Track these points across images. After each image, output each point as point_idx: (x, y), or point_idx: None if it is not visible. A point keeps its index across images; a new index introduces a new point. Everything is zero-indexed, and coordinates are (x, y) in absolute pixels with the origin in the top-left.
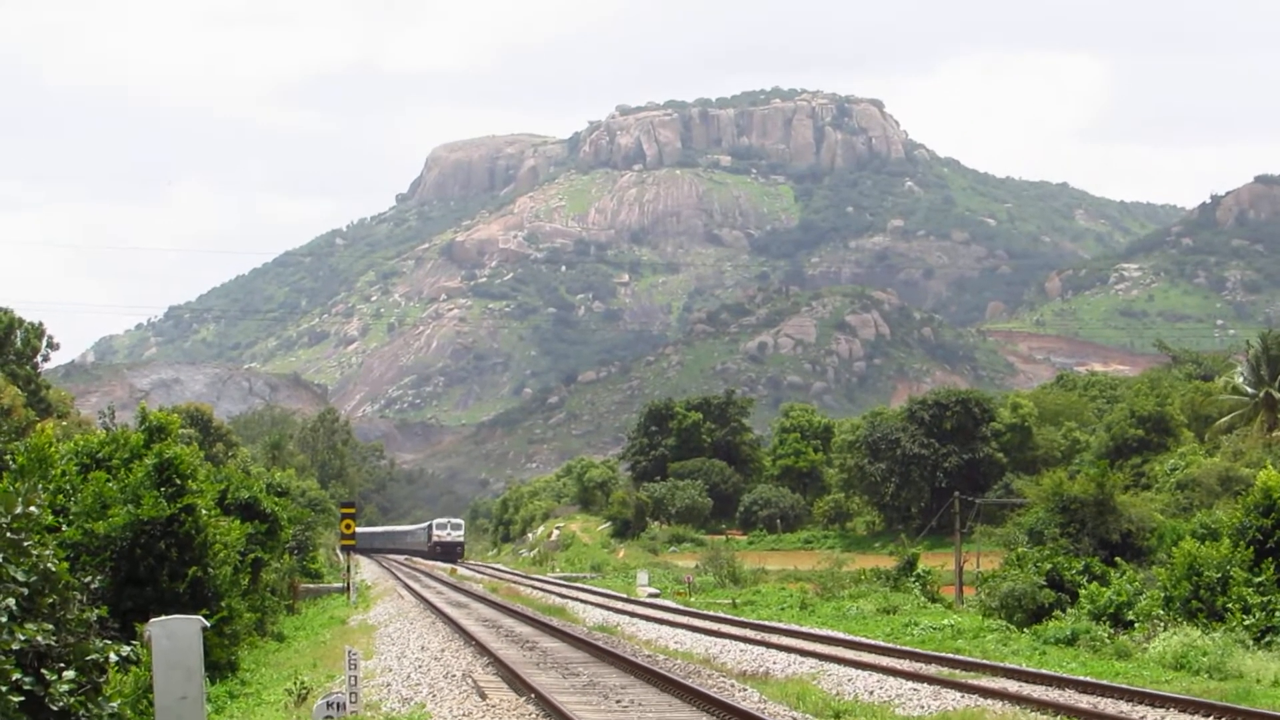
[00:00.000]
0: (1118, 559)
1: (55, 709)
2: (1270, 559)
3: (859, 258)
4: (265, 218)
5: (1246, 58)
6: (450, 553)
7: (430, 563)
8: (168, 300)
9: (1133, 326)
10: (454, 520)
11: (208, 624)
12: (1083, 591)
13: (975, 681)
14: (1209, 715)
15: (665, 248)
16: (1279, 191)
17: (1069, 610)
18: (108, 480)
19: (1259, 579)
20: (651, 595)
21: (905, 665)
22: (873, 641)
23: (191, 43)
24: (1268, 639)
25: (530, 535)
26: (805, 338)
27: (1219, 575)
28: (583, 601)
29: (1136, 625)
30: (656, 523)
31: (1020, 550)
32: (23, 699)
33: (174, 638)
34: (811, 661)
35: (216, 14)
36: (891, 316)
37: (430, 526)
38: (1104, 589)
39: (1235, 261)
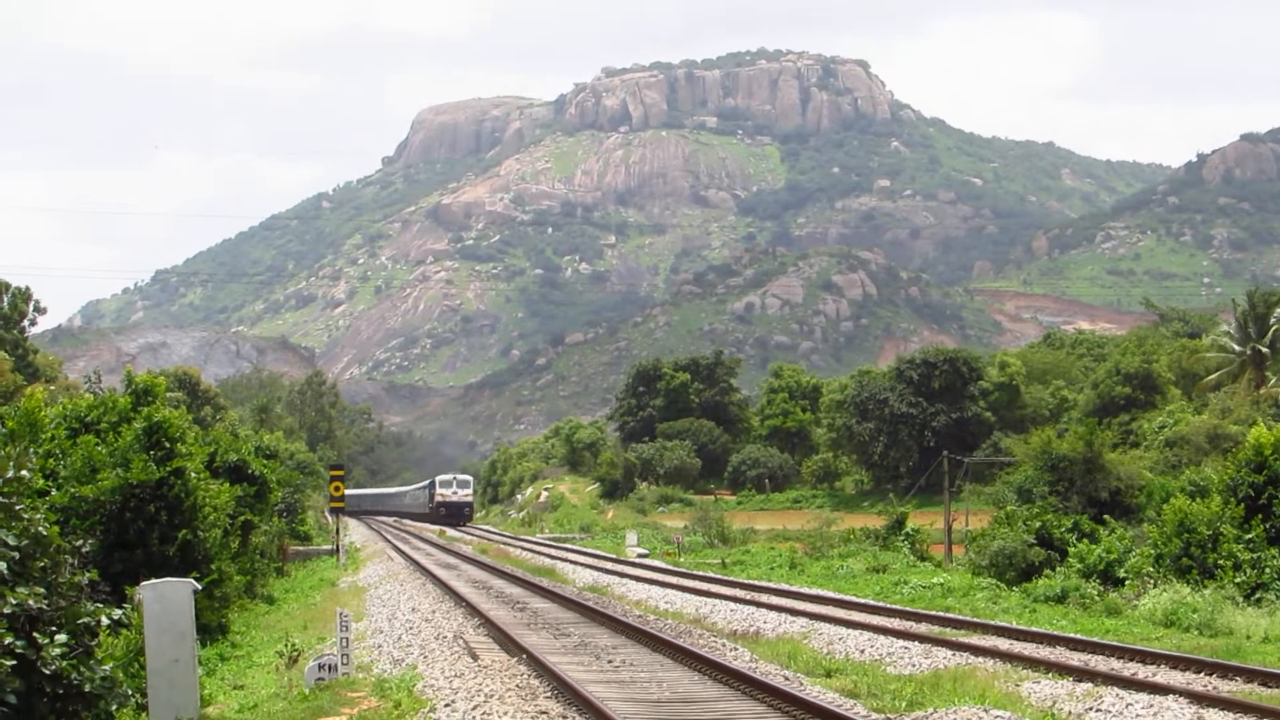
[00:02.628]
0: (1106, 517)
1: (48, 672)
2: (1260, 516)
3: (845, 218)
4: (251, 181)
5: (1232, 16)
6: (457, 514)
7: (419, 524)
8: (154, 264)
9: (1119, 285)
10: (460, 477)
11: (199, 587)
12: (1073, 549)
13: (966, 640)
14: (1200, 672)
15: (651, 209)
16: (1264, 149)
17: (1058, 568)
18: (97, 444)
19: (1249, 536)
20: (641, 556)
21: (896, 624)
22: (863, 600)
23: (178, 5)
24: (1257, 595)
25: (519, 496)
26: (792, 298)
27: (1210, 532)
28: (572, 562)
29: (1127, 582)
30: (645, 483)
31: (1009, 508)
32: (15, 662)
33: (165, 601)
34: (802, 621)
35: None
36: (878, 276)
37: (433, 484)
38: (1094, 546)
39: (1221, 219)
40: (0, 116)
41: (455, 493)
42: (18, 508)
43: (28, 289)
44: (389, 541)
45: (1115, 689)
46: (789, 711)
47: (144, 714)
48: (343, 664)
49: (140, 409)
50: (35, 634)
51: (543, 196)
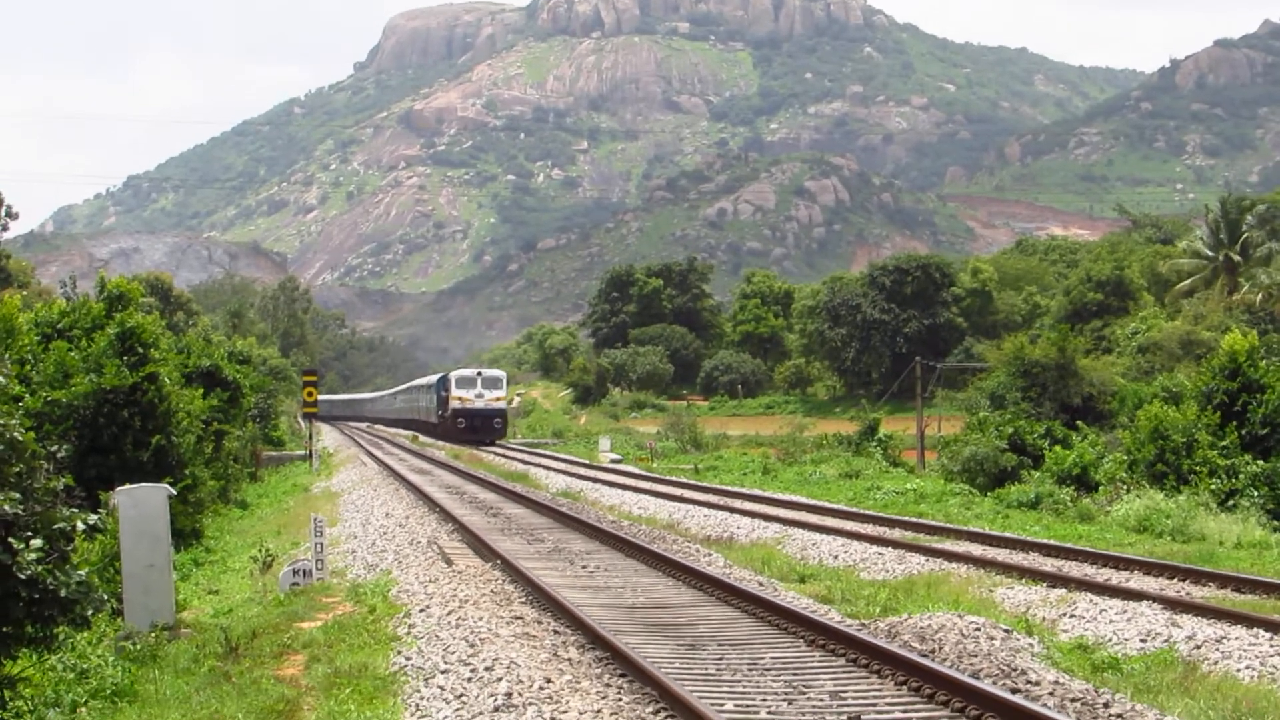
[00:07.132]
0: (1079, 422)
1: (23, 577)
2: (1234, 423)
3: (818, 124)
4: (223, 87)
5: None
6: (484, 428)
7: (392, 429)
8: (127, 170)
9: (1092, 191)
10: (488, 373)
11: (173, 492)
12: (1048, 455)
13: (939, 545)
14: (1173, 577)
15: (624, 115)
16: (1238, 55)
17: (1032, 474)
18: (70, 349)
19: (1223, 443)
20: (614, 461)
21: (869, 530)
22: (836, 506)
23: None
24: (1231, 502)
25: None
26: (765, 204)
27: (1185, 439)
28: (545, 468)
29: (1100, 489)
30: (618, 389)
31: (982, 414)
32: None
33: (140, 506)
34: (775, 526)
35: None
36: (850, 182)
37: (445, 382)
38: (1068, 452)
39: (1195, 126)
40: None
41: (480, 395)
42: None
43: None
44: (362, 447)
45: (1089, 594)
46: (763, 616)
47: (119, 619)
48: (317, 569)
49: (114, 315)
50: (10, 539)
51: (515, 102)
